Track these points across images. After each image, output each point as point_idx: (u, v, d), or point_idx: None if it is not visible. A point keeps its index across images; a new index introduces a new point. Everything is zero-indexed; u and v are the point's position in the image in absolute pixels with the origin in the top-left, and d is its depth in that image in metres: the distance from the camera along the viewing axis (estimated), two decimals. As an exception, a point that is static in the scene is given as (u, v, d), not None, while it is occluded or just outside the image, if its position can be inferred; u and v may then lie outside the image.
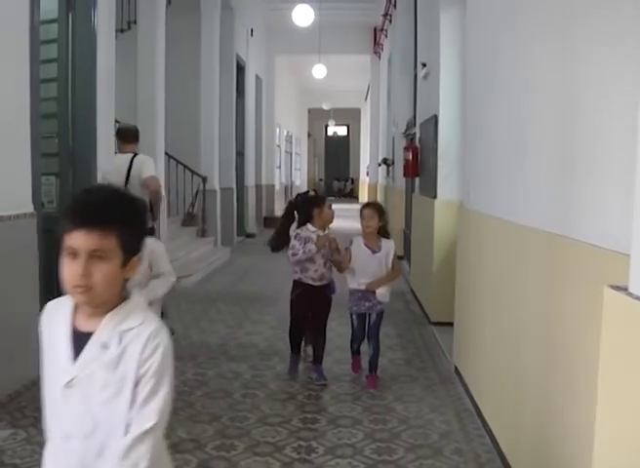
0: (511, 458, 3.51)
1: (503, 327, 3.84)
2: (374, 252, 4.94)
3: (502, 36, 4.14)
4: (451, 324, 5.71)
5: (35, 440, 3.87)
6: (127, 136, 6.22)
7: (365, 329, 5.08)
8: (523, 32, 3.63)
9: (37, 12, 5.27)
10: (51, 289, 5.40)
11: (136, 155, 6.10)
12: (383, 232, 5.02)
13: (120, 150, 6.28)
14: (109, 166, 6.32)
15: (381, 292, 4.93)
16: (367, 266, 4.91)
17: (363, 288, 4.91)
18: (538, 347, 3.14)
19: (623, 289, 1.64)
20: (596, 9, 2.50)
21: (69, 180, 6.41)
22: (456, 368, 5.25)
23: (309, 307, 5.15)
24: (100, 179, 6.22)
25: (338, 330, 6.40)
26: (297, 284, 5.21)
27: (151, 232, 6.22)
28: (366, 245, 4.98)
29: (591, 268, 2.40)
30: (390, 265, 4.95)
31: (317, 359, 5.10)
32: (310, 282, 5.09)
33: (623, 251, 1.89)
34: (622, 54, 2.22)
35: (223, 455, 3.72)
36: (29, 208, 5.10)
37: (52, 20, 6.25)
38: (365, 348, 5.20)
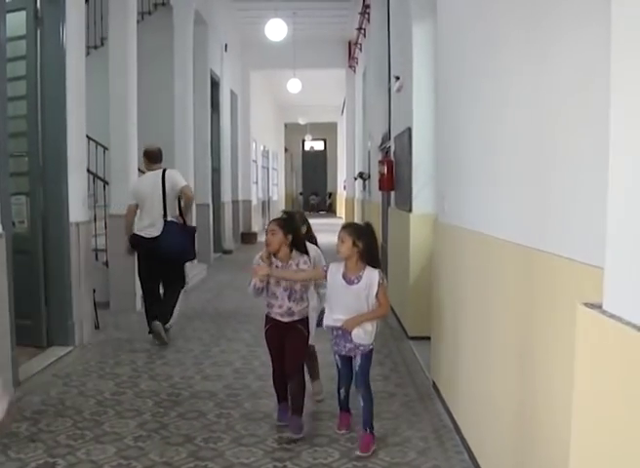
0: (489, 475, 3.46)
1: (479, 341, 3.80)
2: (350, 282, 4.07)
3: (473, 47, 4.12)
4: (429, 338, 5.66)
5: (6, 466, 3.78)
6: (155, 157, 7.00)
7: (351, 372, 4.31)
8: (493, 43, 3.61)
9: (3, 28, 5.20)
10: (18, 308, 5.32)
11: (165, 170, 6.90)
12: (369, 259, 4.12)
13: (148, 169, 6.99)
14: (141, 184, 7.02)
15: (358, 334, 4.07)
16: (341, 299, 4.10)
17: (339, 325, 4.11)
18: (513, 361, 3.10)
19: (597, 306, 1.59)
20: (570, 17, 2.47)
21: (40, 200, 6.32)
22: (434, 383, 5.20)
23: (281, 345, 4.43)
24: (131, 199, 6.95)
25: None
26: (266, 318, 4.55)
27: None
28: (343, 273, 4.12)
29: (565, 281, 2.36)
30: (374, 300, 4.07)
31: (293, 409, 4.27)
32: (278, 317, 4.44)
33: (598, 264, 1.85)
34: (598, 61, 2.19)
35: (197, 478, 3.63)
36: (-2, 228, 5.00)
37: (20, 37, 6.18)
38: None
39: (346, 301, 4.08)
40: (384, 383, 5.39)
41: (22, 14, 6.18)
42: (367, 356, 4.21)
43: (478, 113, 3.97)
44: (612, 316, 1.52)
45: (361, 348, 4.15)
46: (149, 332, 6.63)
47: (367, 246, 4.07)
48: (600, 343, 1.57)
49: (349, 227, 4.19)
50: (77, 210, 6.57)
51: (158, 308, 6.73)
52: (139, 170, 8.55)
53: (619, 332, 1.48)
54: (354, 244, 4.05)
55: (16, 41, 6.05)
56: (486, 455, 3.60)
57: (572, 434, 1.82)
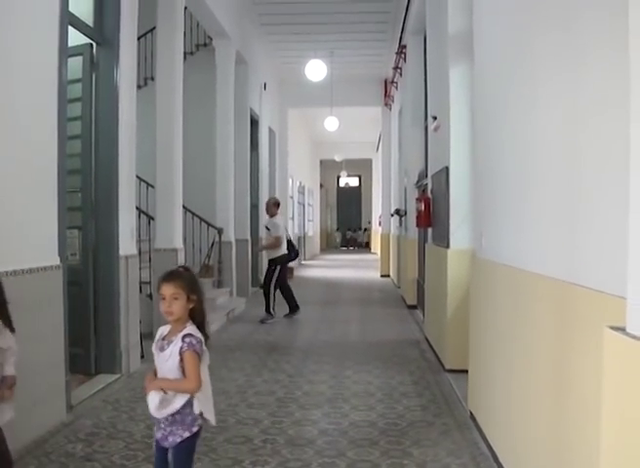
0: (527, 500, 3.61)
1: (515, 372, 3.96)
2: (162, 349, 3.21)
3: (508, 90, 4.35)
4: (465, 371, 5.82)
5: (63, 484, 4.02)
6: (279, 205, 11.13)
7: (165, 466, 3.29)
8: (530, 86, 3.83)
9: (65, 72, 5.55)
10: (70, 336, 5.58)
11: None
12: (201, 317, 3.27)
13: (276, 214, 11.02)
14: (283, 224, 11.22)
15: (153, 400, 3.16)
16: (159, 370, 3.24)
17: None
18: (548, 391, 3.26)
19: (622, 329, 1.79)
20: (607, 51, 2.69)
21: (92, 233, 6.62)
22: (471, 413, 5.34)
23: None
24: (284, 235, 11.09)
25: (354, 377, 6.53)
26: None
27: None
28: (164, 337, 3.27)
29: (597, 313, 2.54)
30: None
31: None
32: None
33: (622, 294, 2.04)
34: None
35: (246, 499, 3.83)
36: (56, 260, 5.30)
37: (76, 80, 6.54)
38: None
39: (162, 372, 3.22)
40: (423, 413, 5.54)
41: (79, 58, 6.55)
42: (183, 449, 3.20)
43: (512, 153, 4.19)
44: (635, 337, 1.72)
45: (170, 438, 3.18)
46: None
47: (200, 299, 3.25)
48: (624, 361, 1.77)
49: (178, 278, 3.19)
50: (126, 243, 6.86)
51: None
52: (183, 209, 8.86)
53: (635, 347, 1.68)
54: (189, 299, 3.18)
55: (73, 84, 6.40)
56: (523, 481, 3.75)
57: (602, 452, 1.99)
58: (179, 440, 3.16)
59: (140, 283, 8.75)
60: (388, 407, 5.73)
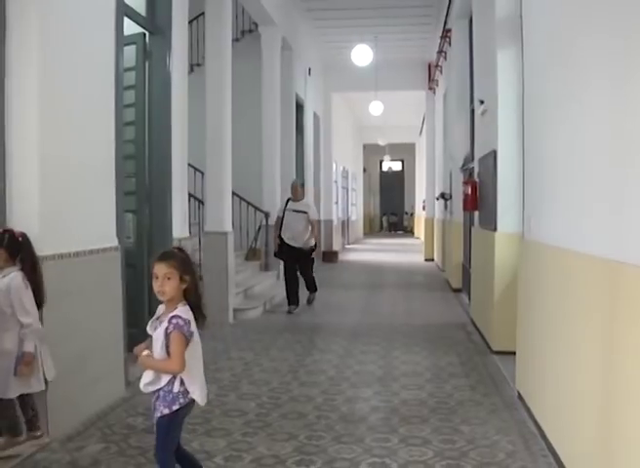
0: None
1: (564, 352, 4.04)
2: (155, 329, 3.28)
3: (559, 70, 4.40)
4: (512, 352, 5.90)
5: (127, 453, 4.22)
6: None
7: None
8: (579, 66, 3.89)
9: (121, 60, 5.73)
10: (129, 317, 5.79)
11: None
12: (196, 297, 3.33)
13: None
14: None
15: (146, 376, 3.29)
16: (153, 349, 3.27)
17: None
18: (598, 372, 3.35)
19: None
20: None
21: (146, 217, 6.82)
22: (519, 393, 5.43)
23: None
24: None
25: (402, 357, 6.67)
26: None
27: None
28: (159, 317, 3.34)
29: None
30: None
31: None
32: None
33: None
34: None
35: (304, 470, 4.00)
36: (114, 242, 5.50)
37: (130, 68, 6.72)
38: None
39: (154, 351, 3.26)
40: (472, 393, 5.65)
41: (133, 47, 6.73)
42: (162, 425, 3.30)
43: (564, 135, 4.25)
44: None
45: (157, 414, 3.28)
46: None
47: (194, 280, 3.31)
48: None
49: (171, 258, 3.24)
50: (179, 226, 7.05)
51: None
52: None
53: None
54: (182, 279, 3.23)
55: (127, 72, 6.58)
56: (572, 458, 3.84)
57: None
58: (158, 415, 3.27)
59: (191, 265, 8.99)
60: (437, 386, 5.85)
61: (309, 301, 10.63)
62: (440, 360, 6.84)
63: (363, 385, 5.88)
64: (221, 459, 4.15)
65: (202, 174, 10.01)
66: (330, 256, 18.58)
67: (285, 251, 10.18)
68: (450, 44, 12.82)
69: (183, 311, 3.22)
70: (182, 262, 3.26)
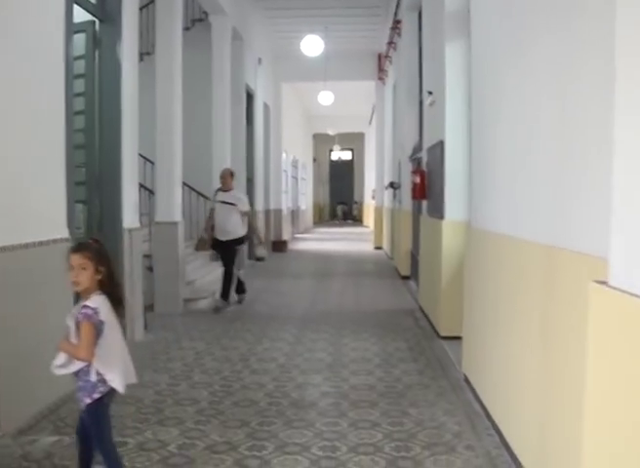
0: (518, 452, 3.86)
1: (508, 336, 4.20)
2: (72, 318, 3.27)
3: (505, 68, 4.54)
4: (459, 337, 6.08)
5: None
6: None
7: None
8: (525, 65, 4.03)
9: (71, 48, 5.69)
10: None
11: None
12: (112, 288, 3.32)
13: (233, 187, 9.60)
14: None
15: (60, 358, 3.29)
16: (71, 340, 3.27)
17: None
18: (538, 352, 3.50)
19: (605, 282, 2.03)
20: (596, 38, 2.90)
21: (96, 207, 6.79)
22: (465, 376, 5.60)
23: None
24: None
25: (352, 344, 6.79)
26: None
27: None
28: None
29: (582, 273, 2.76)
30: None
31: None
32: None
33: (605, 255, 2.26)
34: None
35: (256, 455, 4.07)
36: (65, 233, 5.48)
37: (80, 57, 6.67)
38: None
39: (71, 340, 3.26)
40: (419, 377, 5.80)
41: (83, 35, 6.68)
42: (89, 416, 3.34)
43: (507, 126, 4.40)
44: (614, 288, 1.97)
45: (81, 395, 3.30)
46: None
47: (109, 271, 3.31)
48: (607, 310, 2.01)
49: (86, 249, 3.26)
50: (130, 217, 7.04)
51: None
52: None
53: (618, 298, 1.93)
54: (97, 270, 3.23)
55: (76, 61, 6.53)
56: (515, 436, 4.00)
57: (586, 397, 2.21)
58: (83, 406, 3.31)
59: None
60: (386, 371, 5.98)
61: (216, 309, 9.20)
62: (389, 346, 6.98)
63: (313, 372, 5.99)
64: (175, 448, 4.19)
65: (152, 163, 9.96)
66: (279, 246, 18.65)
67: (218, 245, 9.50)
68: (400, 35, 12.94)
69: (94, 301, 3.22)
70: (97, 253, 3.27)
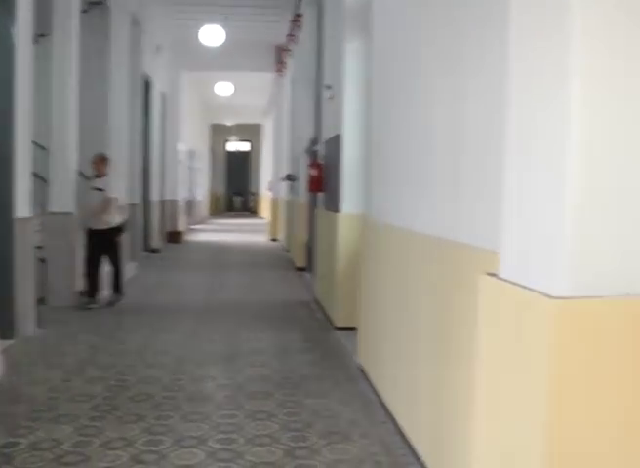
0: (413, 439, 4.01)
1: (402, 326, 4.34)
2: None
3: (401, 66, 4.67)
4: (354, 328, 6.22)
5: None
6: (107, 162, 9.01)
7: None
8: (418, 64, 4.16)
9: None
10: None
11: None
12: None
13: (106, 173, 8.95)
14: None
15: None
16: None
17: None
18: (431, 340, 3.64)
19: (495, 275, 2.16)
20: (481, 40, 3.03)
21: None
22: (360, 366, 5.73)
23: None
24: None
25: (248, 336, 6.83)
26: None
27: None
28: None
29: (474, 266, 2.88)
30: None
31: None
32: None
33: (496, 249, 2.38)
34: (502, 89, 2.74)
35: (152, 450, 4.05)
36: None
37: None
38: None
39: None
40: (314, 367, 5.89)
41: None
42: None
43: (397, 122, 4.54)
44: (504, 279, 2.10)
45: None
46: None
47: None
48: (496, 299, 2.14)
49: None
50: (22, 207, 6.81)
51: None
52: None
53: (508, 290, 2.06)
54: None
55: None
56: (409, 423, 4.15)
57: (477, 383, 2.33)
58: None
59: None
60: (281, 362, 6.05)
61: (111, 303, 8.82)
62: (285, 337, 7.05)
63: (209, 364, 5.98)
64: (70, 446, 4.10)
65: (45, 150, 9.65)
66: (175, 237, 18.44)
67: (93, 235, 8.83)
68: (300, 28, 12.98)
69: None
70: None
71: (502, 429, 2.13)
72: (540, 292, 1.85)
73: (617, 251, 1.81)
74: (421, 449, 3.83)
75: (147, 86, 14.86)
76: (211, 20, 14.76)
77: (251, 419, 4.56)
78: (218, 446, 4.11)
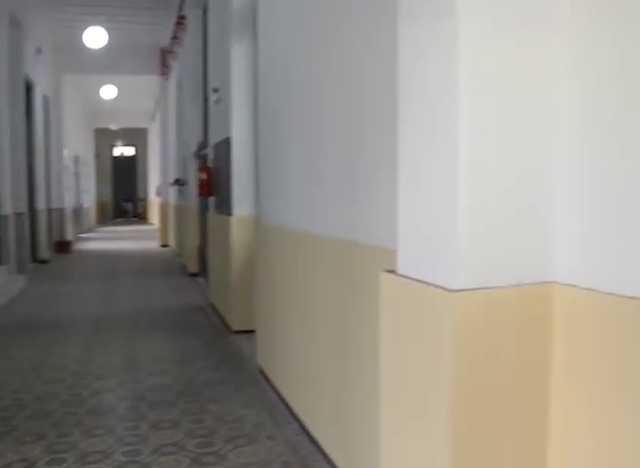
0: (318, 437, 4.10)
1: (302, 327, 4.42)
2: None
3: (290, 67, 4.75)
4: (252, 331, 6.26)
5: None
6: None
7: None
8: (307, 66, 4.25)
9: None
10: None
11: None
12: None
13: None
14: None
15: None
16: None
17: None
18: (332, 339, 3.73)
19: (393, 272, 2.25)
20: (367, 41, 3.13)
21: None
22: (261, 369, 5.77)
23: None
24: None
25: (146, 344, 6.75)
26: None
27: None
28: None
29: (374, 265, 2.97)
30: None
31: None
32: None
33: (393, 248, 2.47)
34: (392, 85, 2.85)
35: None
36: None
37: None
38: None
39: None
40: (215, 373, 5.89)
41: None
42: None
43: (294, 124, 4.61)
44: (402, 275, 2.19)
45: None
46: None
47: None
48: (395, 296, 2.23)
49: None
50: None
51: None
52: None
53: (406, 285, 2.15)
54: None
55: None
56: (313, 422, 4.23)
57: (381, 381, 2.42)
58: None
59: None
60: (181, 369, 6.02)
61: None
62: (182, 344, 7.01)
63: (108, 376, 5.89)
64: (-35, 471, 3.99)
65: None
66: (63, 247, 17.94)
67: None
68: (185, 31, 12.88)
69: None
70: None
71: (406, 423, 2.22)
72: (437, 286, 1.95)
73: (508, 242, 1.93)
74: (328, 447, 3.92)
75: (29, 89, 14.40)
76: (94, 22, 14.43)
77: (155, 429, 4.53)
78: (123, 458, 4.06)
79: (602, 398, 1.77)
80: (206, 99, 10.13)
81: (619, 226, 1.73)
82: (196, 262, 12.44)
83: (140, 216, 38.25)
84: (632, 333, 1.67)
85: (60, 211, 18.78)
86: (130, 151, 39.13)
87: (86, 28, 14.33)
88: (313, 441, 4.17)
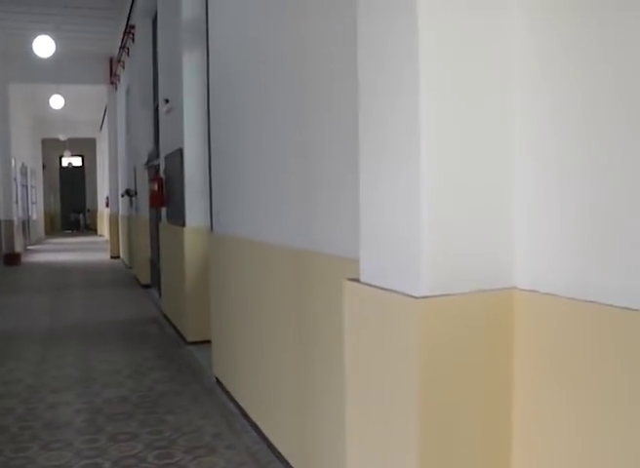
0: (278, 444, 4.14)
1: (260, 335, 4.45)
2: None
3: (241, 81, 4.80)
4: (207, 341, 6.26)
5: None
6: None
7: None
8: (259, 81, 4.30)
9: None
10: None
11: None
12: None
13: None
14: None
15: None
16: None
17: None
18: (294, 348, 3.77)
19: (356, 280, 2.29)
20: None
21: None
22: (217, 379, 5.79)
23: None
24: None
25: (100, 357, 6.70)
26: None
27: None
28: None
29: (337, 275, 3.02)
30: None
31: None
32: None
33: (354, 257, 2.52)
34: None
35: (11, 483, 3.95)
36: None
37: None
38: None
39: None
40: (171, 384, 5.89)
41: None
42: None
43: (250, 132, 4.65)
44: (364, 283, 2.24)
45: None
46: None
47: None
48: (357, 302, 2.27)
49: None
50: None
51: None
52: None
53: (370, 293, 2.19)
54: None
55: None
56: (272, 430, 4.26)
57: (346, 384, 2.47)
58: None
59: None
60: (137, 381, 6.01)
61: None
62: (137, 355, 6.98)
63: (64, 389, 5.84)
64: None
65: None
66: (12, 259, 17.65)
67: None
68: (133, 40, 12.80)
69: None
70: None
71: (370, 425, 2.27)
72: (402, 293, 1.98)
73: (470, 249, 1.98)
74: (288, 453, 3.96)
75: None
76: (42, 30, 14.23)
77: (114, 442, 4.52)
78: (81, 472, 4.06)
79: (563, 398, 1.83)
80: (156, 109, 10.09)
81: (578, 232, 1.78)
82: (148, 273, 12.35)
83: (90, 228, 37.73)
84: (592, 337, 1.72)
85: (9, 223, 18.46)
86: (78, 161, 38.59)
87: (33, 37, 14.10)
88: (273, 448, 4.21)
